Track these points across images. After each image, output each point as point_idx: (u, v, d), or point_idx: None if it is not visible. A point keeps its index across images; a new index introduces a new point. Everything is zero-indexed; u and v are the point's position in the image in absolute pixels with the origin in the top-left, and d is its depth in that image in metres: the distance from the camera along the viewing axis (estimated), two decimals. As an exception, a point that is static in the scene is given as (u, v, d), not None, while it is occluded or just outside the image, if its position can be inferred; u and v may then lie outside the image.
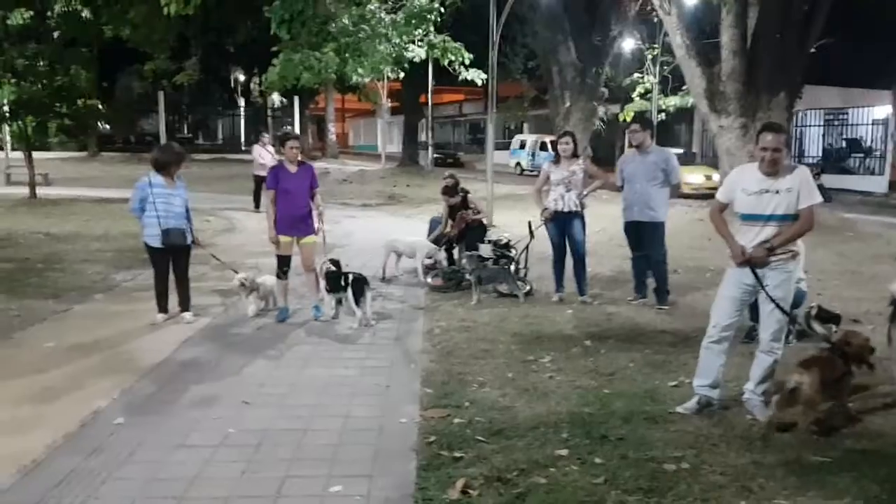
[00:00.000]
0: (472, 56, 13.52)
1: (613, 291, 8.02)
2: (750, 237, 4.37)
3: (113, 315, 6.95)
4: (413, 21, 12.15)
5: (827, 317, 5.89)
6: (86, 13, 17.43)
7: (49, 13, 16.79)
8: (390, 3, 13.03)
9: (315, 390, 4.97)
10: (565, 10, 20.00)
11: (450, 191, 9.11)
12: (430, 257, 8.57)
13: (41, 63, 16.16)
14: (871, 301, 6.88)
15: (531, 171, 32.51)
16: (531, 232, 7.97)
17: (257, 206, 14.63)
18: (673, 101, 25.39)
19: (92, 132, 33.07)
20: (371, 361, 5.62)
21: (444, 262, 8.56)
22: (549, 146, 30.98)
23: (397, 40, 12.71)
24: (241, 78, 43.48)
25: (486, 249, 8.06)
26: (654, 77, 25.05)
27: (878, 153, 26.43)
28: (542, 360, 5.57)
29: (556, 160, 7.53)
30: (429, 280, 8.31)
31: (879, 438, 4.12)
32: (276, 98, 44.21)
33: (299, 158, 6.82)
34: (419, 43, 12.88)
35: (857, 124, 28.06)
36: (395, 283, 8.63)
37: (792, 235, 4.30)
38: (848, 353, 4.26)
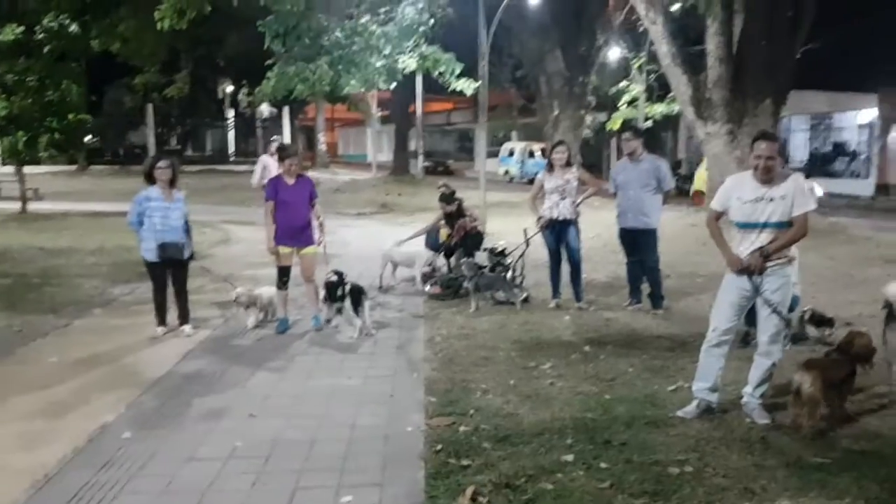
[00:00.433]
0: (462, 66, 13.64)
1: (609, 297, 8.12)
2: (746, 245, 4.45)
3: (113, 329, 6.98)
4: (405, 34, 12.26)
5: (821, 320, 6.00)
6: (74, 27, 17.42)
7: (38, 28, 16.77)
8: (382, 16, 13.13)
9: (320, 400, 5.01)
10: (552, 20, 20.21)
11: (446, 198, 9.19)
12: (429, 265, 8.63)
13: (31, 78, 16.15)
14: (863, 304, 7.00)
15: (520, 178, 32.72)
16: (526, 239, 8.07)
17: None
18: (659, 109, 25.61)
19: (82, 146, 33.00)
20: (374, 370, 5.68)
21: (444, 269, 8.62)
22: (538, 154, 31.24)
23: (388, 51, 12.81)
24: (230, 89, 43.51)
25: (482, 257, 8.14)
26: (641, 85, 25.27)
27: (863, 157, 26.79)
28: (543, 367, 5.64)
29: (551, 169, 7.63)
30: (427, 288, 8.38)
31: (878, 439, 4.20)
32: (264, 108, 44.24)
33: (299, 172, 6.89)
34: (410, 54, 13.00)
35: (842, 128, 28.43)
36: (393, 291, 8.69)
37: (787, 242, 4.38)
38: (853, 354, 4.37)
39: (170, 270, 6.70)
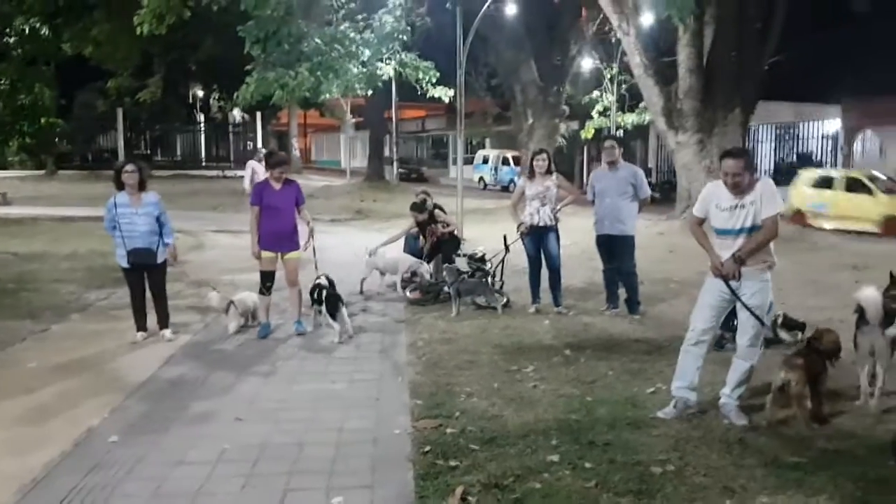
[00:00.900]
0: (439, 74, 13.78)
1: (587, 302, 8.26)
2: (725, 250, 4.63)
3: (92, 334, 6.92)
4: (384, 41, 12.36)
5: (793, 324, 6.17)
6: (45, 31, 17.19)
7: (9, 30, 16.52)
8: (360, 23, 13.21)
9: (307, 404, 5.04)
10: (527, 30, 20.47)
11: (418, 207, 9.25)
12: (413, 272, 8.68)
13: (3, 82, 15.89)
14: (833, 309, 7.21)
15: (494, 185, 32.95)
16: (506, 245, 8.18)
17: None
18: (630, 119, 26.03)
19: (53, 150, 32.48)
20: (359, 375, 5.72)
21: (428, 276, 8.64)
22: (512, 161, 31.49)
23: (367, 58, 12.89)
24: (201, 94, 43.12)
25: (462, 263, 8.23)
26: (613, 95, 25.66)
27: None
28: (526, 370, 5.74)
29: (531, 176, 7.76)
30: (407, 294, 8.43)
31: (851, 439, 4.36)
32: (236, 114, 43.94)
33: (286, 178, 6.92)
34: (388, 61, 13.09)
35: (807, 138, 29.13)
36: (375, 297, 8.71)
37: (757, 245, 4.54)
38: (822, 349, 4.57)
39: (146, 275, 6.67)
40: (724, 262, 4.58)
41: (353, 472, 3.97)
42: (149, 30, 10.74)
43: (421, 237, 9.33)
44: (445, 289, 8.06)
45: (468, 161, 34.44)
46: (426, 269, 8.64)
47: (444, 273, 7.97)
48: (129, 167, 6.66)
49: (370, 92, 14.79)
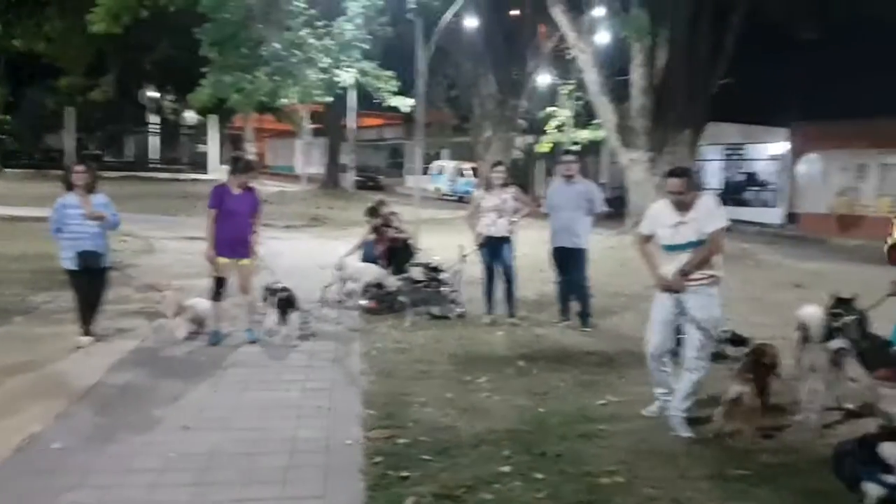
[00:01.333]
0: (399, 83, 13.83)
1: (540, 314, 8.34)
2: (672, 265, 4.79)
3: (36, 338, 6.70)
4: (344, 48, 12.34)
5: (738, 340, 6.36)
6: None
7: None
8: (320, 30, 13.16)
9: (257, 413, 4.98)
10: (486, 44, 20.69)
11: (372, 211, 9.25)
12: (378, 283, 8.52)
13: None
14: (776, 326, 7.43)
15: (451, 196, 33.08)
16: (464, 256, 8.22)
17: None
18: (585, 135, 26.42)
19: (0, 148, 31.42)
20: (311, 384, 5.67)
21: (393, 287, 8.53)
22: (471, 173, 31.67)
23: (326, 65, 12.84)
24: (155, 95, 42.22)
25: (417, 272, 8.23)
26: (569, 111, 26.02)
27: (774, 187, 28.40)
28: (479, 381, 5.77)
29: (488, 188, 7.83)
30: (362, 303, 8.39)
31: (793, 453, 4.50)
32: (190, 116, 43.17)
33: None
34: (348, 69, 13.07)
35: (754, 159, 30.10)
36: (329, 305, 8.62)
37: (701, 258, 4.71)
38: (765, 363, 4.75)
39: (89, 279, 6.50)
40: (671, 276, 4.75)
41: (303, 482, 3.94)
42: (103, 28, 10.50)
43: (376, 245, 9.30)
44: (400, 298, 8.05)
45: (424, 171, 34.54)
46: (393, 280, 8.54)
47: (398, 283, 7.96)
48: (80, 167, 6.54)
49: (329, 99, 14.70)
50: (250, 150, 42.40)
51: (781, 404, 5.15)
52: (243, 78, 11.55)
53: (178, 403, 5.13)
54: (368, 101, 16.59)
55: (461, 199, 30.50)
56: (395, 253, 9.02)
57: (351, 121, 31.82)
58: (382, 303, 8.31)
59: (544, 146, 26.96)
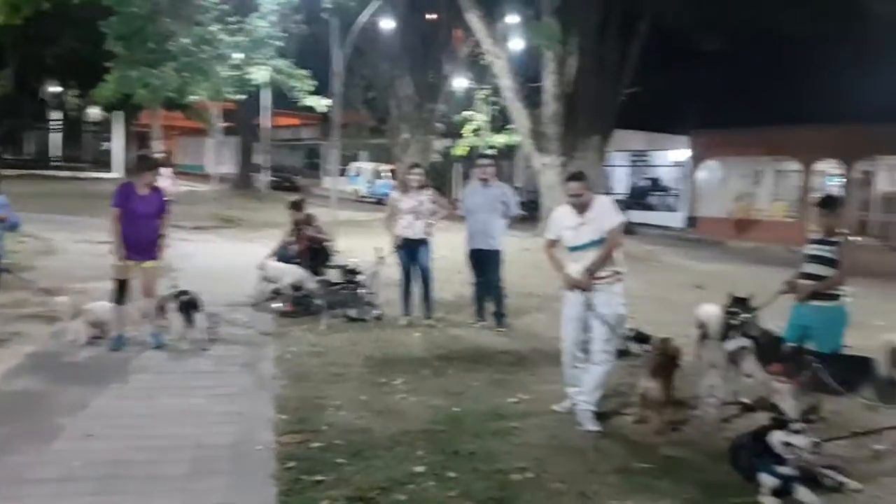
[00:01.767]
0: (315, 83, 13.67)
1: (456, 315, 8.43)
2: (577, 265, 5.06)
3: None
4: (257, 45, 12.09)
5: (642, 338, 6.63)
6: None
7: None
8: (233, 26, 12.85)
9: (164, 420, 4.82)
10: (402, 47, 20.75)
11: (297, 205, 9.06)
12: (298, 285, 8.33)
13: None
14: (678, 325, 7.73)
15: (369, 198, 32.90)
16: (381, 258, 8.20)
17: None
18: (500, 139, 26.88)
19: None
20: (221, 389, 5.53)
21: (311, 289, 8.37)
22: (389, 175, 31.59)
23: (238, 62, 12.55)
24: (57, 90, 40.07)
25: (334, 275, 8.15)
26: (484, 115, 26.40)
27: (676, 192, 29.74)
28: (395, 382, 5.78)
29: (405, 190, 7.86)
30: (276, 306, 8.23)
31: (693, 446, 4.73)
32: (94, 112, 41.23)
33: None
34: (261, 67, 12.80)
35: (658, 165, 31.45)
36: (240, 308, 8.42)
37: (604, 255, 4.99)
38: (668, 356, 5.00)
39: None
40: (578, 274, 4.98)
41: (211, 490, 3.85)
42: (1, 20, 9.88)
43: (293, 245, 9.08)
44: (316, 301, 7.96)
45: (343, 172, 34.21)
46: (313, 282, 8.38)
47: (314, 285, 7.86)
48: None
49: (242, 96, 14.37)
50: (158, 149, 40.85)
51: (682, 399, 5.41)
52: (150, 73, 11.11)
53: (80, 411, 4.91)
54: (284, 100, 16.31)
55: (379, 202, 30.36)
56: (313, 254, 8.86)
57: (265, 120, 31.14)
58: (298, 305, 8.18)
59: (461, 149, 27.26)
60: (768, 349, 5.30)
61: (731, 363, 5.39)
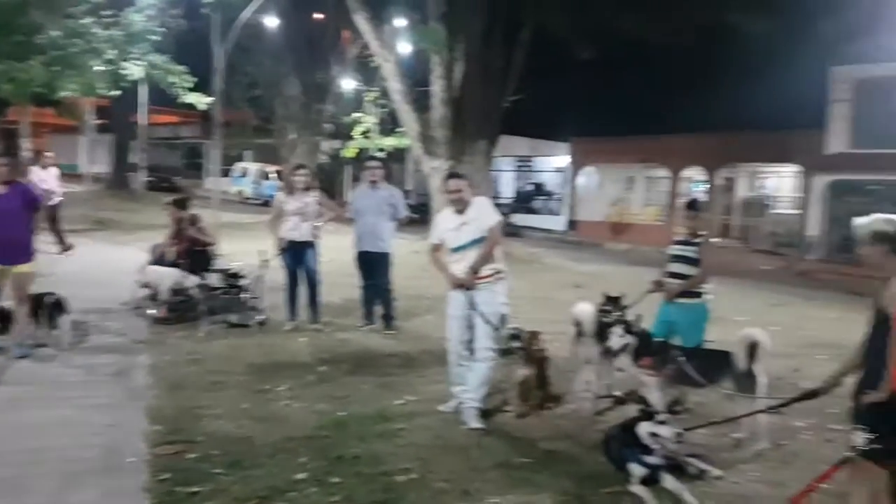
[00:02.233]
0: (195, 80, 13.16)
1: (345, 319, 8.37)
2: (460, 265, 5.17)
3: None
4: (133, 40, 11.49)
5: (519, 336, 6.82)
6: None
7: None
8: (107, 19, 12.15)
9: (29, 433, 4.55)
10: (288, 45, 20.35)
11: (181, 203, 8.64)
12: (178, 290, 7.95)
13: None
14: (558, 323, 8.06)
15: (254, 199, 32.02)
16: (265, 261, 8.00)
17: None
18: (390, 142, 26.87)
19: None
20: (91, 400, 5.25)
21: (190, 293, 8.01)
22: (276, 176, 30.86)
23: (112, 56, 11.89)
24: None
25: (215, 279, 7.89)
26: (374, 118, 26.30)
27: (558, 196, 30.89)
28: (278, 389, 5.67)
29: (290, 191, 7.73)
30: (152, 311, 7.85)
31: (569, 439, 4.93)
32: (-53, 105, 37.83)
33: (9, 177, 6.07)
34: (137, 62, 12.18)
35: (541, 171, 32.58)
36: (114, 315, 7.98)
37: (485, 253, 5.12)
38: (534, 346, 5.38)
39: None
40: (462, 274, 5.10)
41: (81, 505, 3.64)
42: None
43: (170, 248, 8.67)
44: (197, 306, 7.67)
45: (226, 173, 33.11)
46: (192, 283, 8.02)
47: (193, 290, 7.57)
48: None
49: (116, 93, 13.62)
50: (27, 146, 37.96)
51: (559, 393, 5.62)
52: (15, 67, 10.31)
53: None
54: (163, 97, 15.59)
55: (266, 203, 29.59)
56: (194, 256, 8.46)
57: (142, 117, 29.70)
58: (175, 311, 7.84)
59: (351, 151, 27.02)
60: (639, 345, 5.59)
61: (605, 358, 5.64)
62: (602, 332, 5.61)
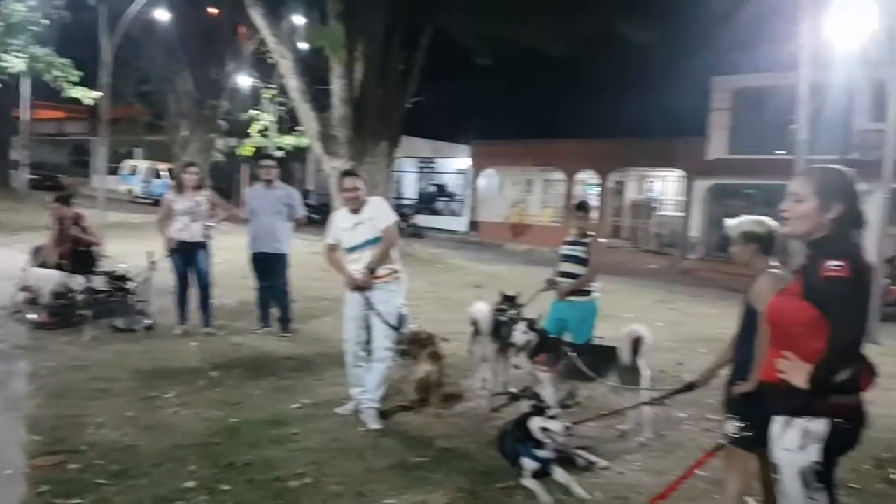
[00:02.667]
0: (81, 73, 12.48)
1: (239, 322, 8.17)
2: (356, 265, 5.16)
3: None
4: (12, 31, 10.76)
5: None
6: None
7: None
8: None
9: None
10: (181, 39, 19.64)
11: (65, 200, 8.15)
12: (62, 293, 7.48)
13: None
14: (457, 322, 8.17)
15: (145, 198, 30.71)
16: (153, 262, 7.69)
17: None
18: (289, 140, 26.39)
19: None
20: (-40, 412, 4.89)
21: (73, 296, 7.56)
22: (167, 174, 29.67)
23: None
24: None
25: (100, 281, 7.52)
26: (271, 115, 25.76)
27: (460, 198, 31.30)
28: (167, 396, 5.47)
29: (180, 189, 7.46)
30: (33, 316, 7.38)
31: (464, 437, 5.00)
32: None
33: None
34: (18, 54, 11.42)
35: (443, 172, 32.91)
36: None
37: (382, 253, 5.14)
38: (423, 343, 5.51)
39: None
40: (359, 274, 5.09)
41: (-55, 528, 3.40)
42: None
43: (54, 247, 8.16)
44: (79, 310, 7.28)
45: (114, 171, 31.57)
46: (78, 282, 7.58)
47: (78, 294, 7.18)
48: None
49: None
50: None
51: (456, 392, 5.71)
52: None
53: None
54: (47, 91, 14.65)
55: (157, 202, 28.37)
56: (78, 257, 8.00)
57: (24, 112, 27.83)
58: (57, 315, 7.41)
59: (247, 149, 26.35)
60: (537, 342, 5.75)
61: (502, 356, 5.78)
62: (498, 330, 5.74)
